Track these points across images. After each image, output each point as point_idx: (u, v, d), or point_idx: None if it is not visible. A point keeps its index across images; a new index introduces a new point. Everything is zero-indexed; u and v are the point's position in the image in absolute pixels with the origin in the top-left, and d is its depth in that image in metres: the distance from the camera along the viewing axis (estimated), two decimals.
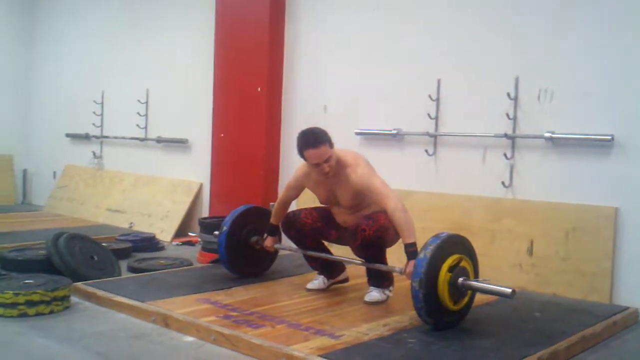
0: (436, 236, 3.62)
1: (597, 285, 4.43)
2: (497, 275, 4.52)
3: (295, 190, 4.53)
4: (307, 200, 5.18)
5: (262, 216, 4.87)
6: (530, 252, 4.75)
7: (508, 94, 4.92)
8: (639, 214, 4.37)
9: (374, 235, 4.00)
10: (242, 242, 4.74)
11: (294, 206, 4.82)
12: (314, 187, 4.38)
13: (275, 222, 4.65)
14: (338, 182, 4.18)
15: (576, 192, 4.63)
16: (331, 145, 4.07)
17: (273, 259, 5.00)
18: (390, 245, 4.16)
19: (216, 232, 4.79)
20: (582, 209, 4.56)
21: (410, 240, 3.81)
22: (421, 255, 3.52)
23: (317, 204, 4.55)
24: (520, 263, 4.77)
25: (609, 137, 4.44)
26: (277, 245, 4.75)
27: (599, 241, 4.46)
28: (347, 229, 4.20)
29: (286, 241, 4.85)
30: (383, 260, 4.16)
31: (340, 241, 4.45)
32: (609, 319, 3.97)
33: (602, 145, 4.51)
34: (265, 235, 4.70)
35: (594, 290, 4.43)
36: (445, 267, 3.52)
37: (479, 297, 3.88)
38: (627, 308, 4.25)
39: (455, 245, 3.67)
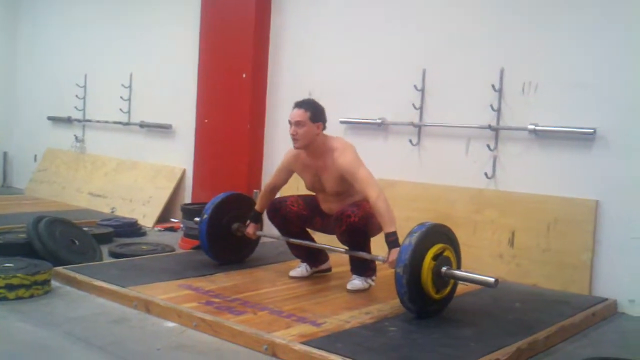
0: (421, 224, 3.64)
1: (576, 277, 4.47)
2: (478, 265, 4.55)
3: (285, 174, 4.52)
4: (291, 188, 5.18)
5: (243, 203, 4.86)
6: (511, 243, 4.78)
7: (493, 86, 4.93)
8: (619, 207, 4.41)
9: (359, 221, 4.01)
10: (224, 229, 4.72)
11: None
12: (301, 171, 4.38)
13: (260, 209, 4.65)
14: (324, 165, 4.18)
15: (558, 185, 4.66)
16: (314, 119, 4.17)
17: (254, 246, 4.99)
18: (374, 234, 4.17)
19: (197, 219, 4.77)
20: (564, 202, 4.59)
21: (391, 230, 3.83)
22: (406, 242, 3.53)
23: (301, 192, 4.54)
24: (502, 254, 4.80)
25: (592, 131, 4.47)
26: (259, 233, 4.75)
27: (580, 233, 4.49)
28: (332, 216, 4.20)
29: (268, 228, 4.84)
30: (367, 249, 4.17)
31: (325, 229, 4.45)
32: (588, 310, 4.02)
33: (584, 139, 4.54)
34: (248, 222, 4.69)
35: (574, 282, 4.47)
36: (429, 254, 3.53)
37: (461, 287, 3.91)
38: (605, 299, 4.30)
39: (440, 235, 3.69)
